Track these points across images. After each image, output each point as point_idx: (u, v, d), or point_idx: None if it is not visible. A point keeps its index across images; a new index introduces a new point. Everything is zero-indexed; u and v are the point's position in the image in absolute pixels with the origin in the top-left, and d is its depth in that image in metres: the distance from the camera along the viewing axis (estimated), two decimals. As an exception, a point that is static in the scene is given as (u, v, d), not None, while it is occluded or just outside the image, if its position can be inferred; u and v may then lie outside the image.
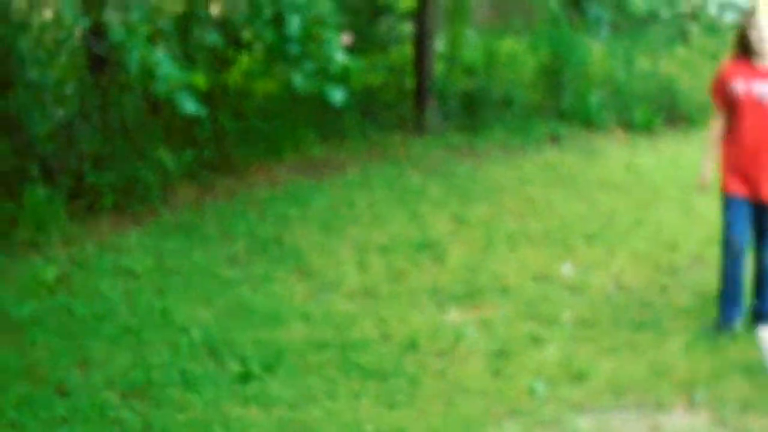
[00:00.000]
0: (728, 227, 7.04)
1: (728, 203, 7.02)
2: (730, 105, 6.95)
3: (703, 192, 7.34)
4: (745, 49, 6.88)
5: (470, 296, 7.81)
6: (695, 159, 12.02)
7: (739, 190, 6.94)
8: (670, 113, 15.02)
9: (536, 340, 7.02)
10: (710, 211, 9.54)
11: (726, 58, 7.26)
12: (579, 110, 14.53)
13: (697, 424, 5.92)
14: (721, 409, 6.03)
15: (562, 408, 6.10)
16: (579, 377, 6.45)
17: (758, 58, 6.82)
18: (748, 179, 6.91)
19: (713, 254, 8.49)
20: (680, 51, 16.97)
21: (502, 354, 6.81)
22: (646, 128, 14.53)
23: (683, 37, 18.34)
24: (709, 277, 8.08)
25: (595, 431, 5.86)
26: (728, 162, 7.00)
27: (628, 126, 14.66)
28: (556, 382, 6.40)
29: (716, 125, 7.13)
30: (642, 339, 7.01)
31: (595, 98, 14.87)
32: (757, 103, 6.81)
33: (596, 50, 16.69)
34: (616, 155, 12.99)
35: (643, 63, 16.08)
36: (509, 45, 16.09)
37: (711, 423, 5.92)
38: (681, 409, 6.10)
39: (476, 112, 13.93)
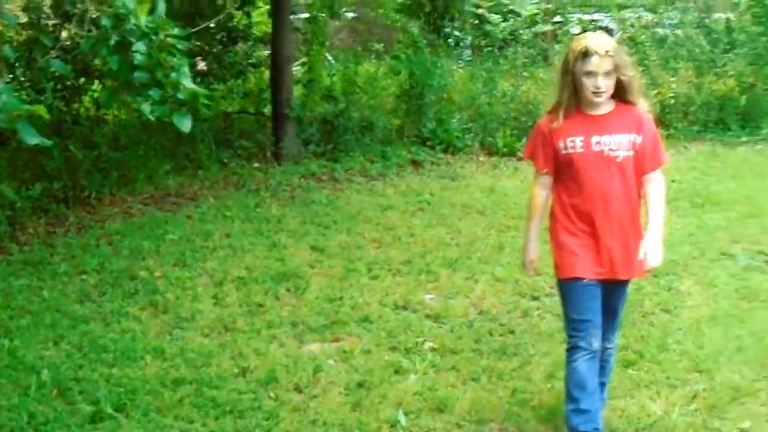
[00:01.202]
0: (580, 325, 5.64)
1: (573, 290, 5.66)
2: (562, 166, 5.59)
3: (533, 275, 6.57)
4: (571, 92, 5.52)
5: (330, 328, 7.62)
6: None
7: (584, 271, 5.57)
8: (531, 136, 15.02)
9: (398, 371, 6.86)
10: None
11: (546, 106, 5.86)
12: (440, 134, 14.47)
13: (563, 453, 5.83)
14: (585, 437, 5.94)
15: (422, 440, 5.96)
16: (441, 407, 6.31)
17: (591, 106, 5.53)
18: (596, 253, 5.55)
19: (575, 277, 8.48)
20: (541, 72, 17.09)
21: (362, 386, 6.63)
22: (509, 151, 14.53)
23: (544, 57, 18.52)
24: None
25: (458, 463, 5.73)
26: (566, 236, 5.63)
27: (491, 149, 14.66)
28: (417, 412, 6.26)
29: (539, 192, 5.77)
30: (504, 366, 6.91)
31: (456, 122, 14.86)
32: (601, 160, 5.46)
33: (457, 73, 16.73)
34: (478, 179, 12.96)
35: (504, 85, 16.12)
36: (369, 69, 16.00)
37: (577, 452, 5.83)
38: (544, 438, 6.01)
39: (336, 138, 13.76)
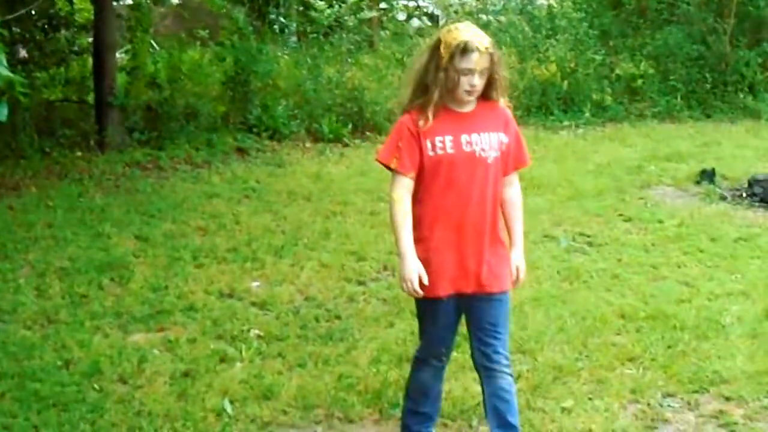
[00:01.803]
0: (435, 341, 5.44)
1: (429, 308, 5.31)
2: (426, 168, 5.05)
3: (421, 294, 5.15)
4: (443, 90, 5.02)
5: (155, 317, 7.54)
6: (383, 168, 12.20)
7: (445, 288, 5.16)
8: (357, 122, 15.13)
9: (223, 359, 6.84)
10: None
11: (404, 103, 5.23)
12: (266, 121, 14.42)
13: (385, 436, 5.89)
14: (409, 419, 6.01)
15: (250, 427, 5.96)
16: (267, 394, 6.31)
17: (459, 103, 5.11)
18: (460, 267, 5.14)
19: (400, 262, 8.57)
20: (367, 58, 17.16)
21: (188, 375, 6.59)
22: (335, 138, 14.58)
23: (369, 44, 18.62)
24: (397, 285, 8.10)
25: (284, 449, 5.74)
26: (421, 248, 5.09)
27: (316, 136, 14.68)
28: (243, 400, 6.24)
29: (403, 197, 5.08)
30: (330, 351, 6.95)
31: (282, 109, 14.82)
32: (472, 161, 5.05)
33: (283, 60, 16.69)
34: (305, 166, 12.98)
35: (329, 72, 16.16)
36: (194, 56, 15.86)
37: (401, 434, 5.90)
38: (370, 422, 6.05)
39: (161, 125, 13.60)
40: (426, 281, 5.04)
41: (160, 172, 12.34)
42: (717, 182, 12.09)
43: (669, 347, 7.03)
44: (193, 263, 8.67)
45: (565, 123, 16.38)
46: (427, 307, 5.29)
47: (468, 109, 5.10)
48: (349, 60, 16.77)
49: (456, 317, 5.34)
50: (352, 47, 17.41)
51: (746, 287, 8.25)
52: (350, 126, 14.90)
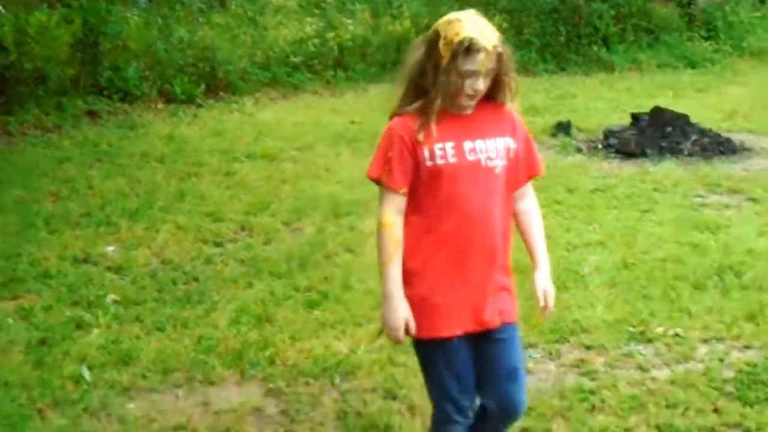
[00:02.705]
0: (454, 395, 4.41)
1: (439, 354, 4.34)
2: (423, 182, 4.19)
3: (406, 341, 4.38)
4: (444, 95, 4.16)
5: (8, 285, 7.35)
6: (238, 128, 12.13)
7: (452, 327, 4.26)
8: (210, 82, 14.95)
9: (80, 325, 6.70)
10: (253, 179, 9.60)
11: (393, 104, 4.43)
12: (117, 83, 14.15)
13: (248, 395, 5.84)
14: (272, 379, 5.98)
15: (109, 393, 5.85)
16: (125, 359, 6.21)
17: (459, 107, 4.24)
18: (464, 303, 4.25)
19: (258, 222, 8.53)
20: (218, 18, 16.95)
21: (44, 343, 6.44)
22: (187, 99, 14.38)
23: (221, 2, 18.40)
24: (254, 246, 8.07)
25: (145, 414, 5.65)
26: (420, 279, 4.23)
27: (169, 97, 14.45)
28: (102, 366, 6.13)
29: (393, 221, 4.21)
30: (189, 314, 6.87)
31: (133, 71, 14.53)
32: (477, 172, 4.20)
33: (133, 21, 16.39)
34: (158, 128, 12.77)
35: (181, 32, 15.92)
36: (41, 18, 15.45)
37: (263, 393, 5.87)
38: (232, 383, 6.00)
39: (8, 90, 13.23)
40: (413, 331, 4.20)
41: (8, 137, 12.02)
42: (573, 134, 12.27)
43: (529, 298, 7.05)
44: (46, 229, 8.46)
45: (420, 79, 16.40)
46: (433, 350, 4.35)
47: (469, 111, 4.27)
48: (201, 19, 16.56)
49: (470, 362, 4.38)
50: (203, 6, 17.18)
51: (603, 237, 8.39)
52: (203, 86, 14.71)
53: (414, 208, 4.23)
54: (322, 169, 10.09)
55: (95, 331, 6.63)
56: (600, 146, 11.82)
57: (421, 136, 4.14)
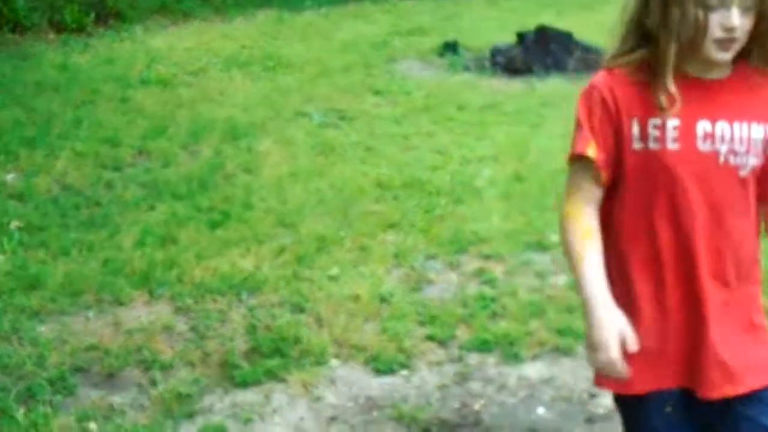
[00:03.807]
0: None
1: (646, 416, 2.99)
2: (629, 174, 2.90)
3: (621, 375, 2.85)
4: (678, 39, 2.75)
5: None
6: (130, 55, 12.07)
7: (649, 381, 2.92)
8: (100, 11, 14.80)
9: (-18, 253, 6.74)
10: (148, 105, 9.61)
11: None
12: (7, 14, 13.93)
13: (158, 314, 5.95)
14: (180, 298, 6.10)
15: (19, 317, 5.90)
16: (33, 284, 6.26)
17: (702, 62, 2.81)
18: (684, 348, 2.90)
19: (156, 147, 8.59)
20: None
21: (-53, 273, 6.48)
22: (78, 28, 14.22)
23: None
24: (154, 170, 8.13)
25: (55, 335, 5.73)
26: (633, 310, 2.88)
27: (59, 27, 14.28)
28: (10, 292, 6.17)
29: (580, 209, 2.95)
30: (94, 238, 6.92)
31: (22, 1, 14.32)
32: (711, 169, 2.83)
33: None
34: (49, 57, 12.65)
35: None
36: None
37: (172, 312, 5.98)
38: (141, 303, 6.10)
39: None
40: (635, 346, 2.78)
41: None
42: (461, 53, 12.42)
43: (427, 212, 7.30)
44: (-59, 158, 8.44)
45: (308, 3, 16.43)
46: (626, 409, 3.10)
47: (716, 75, 2.86)
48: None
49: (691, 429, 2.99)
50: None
51: (495, 152, 8.60)
52: (93, 15, 14.55)
53: (613, 208, 2.98)
54: (217, 93, 10.14)
55: (0, 257, 6.68)
56: (487, 64, 12.01)
57: (662, 100, 2.79)
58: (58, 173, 8.13)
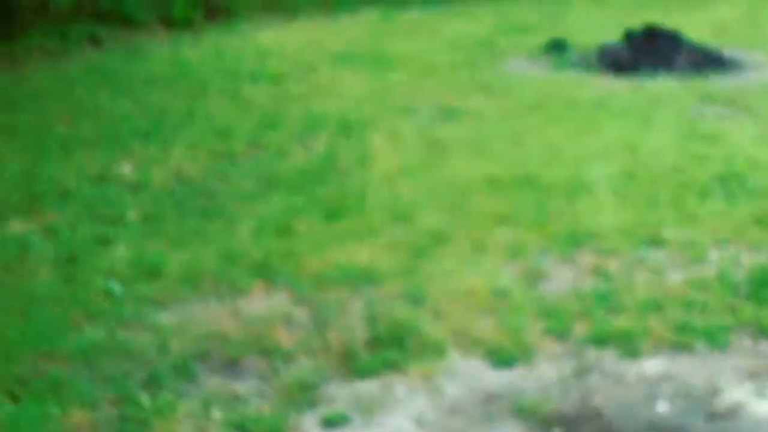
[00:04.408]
0: None
1: None
2: None
3: None
4: None
5: (31, 205, 7.45)
6: (239, 50, 12.19)
7: None
8: (208, 6, 14.96)
9: (104, 242, 6.84)
10: (260, 99, 9.70)
11: None
12: (117, 9, 14.17)
13: (277, 303, 6.00)
14: (299, 288, 6.15)
15: (140, 305, 5.99)
16: (153, 273, 6.35)
17: None
18: None
19: (269, 140, 8.65)
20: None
21: (71, 259, 6.58)
22: (186, 23, 14.40)
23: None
24: (268, 162, 8.19)
25: (177, 324, 5.80)
26: None
27: (168, 22, 14.47)
28: (130, 280, 6.27)
29: None
30: (210, 228, 7.00)
31: (132, -3, 14.57)
32: None
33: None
34: (159, 52, 12.82)
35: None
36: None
37: (291, 301, 6.02)
38: (259, 292, 6.15)
39: (12, 18, 13.23)
40: None
41: (14, 64, 12.04)
42: (568, 51, 12.35)
43: (540, 208, 7.26)
44: (61, 150, 8.55)
45: (413, 1, 16.43)
46: None
47: None
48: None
49: None
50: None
51: (606, 149, 8.52)
52: (201, 11, 14.72)
53: None
54: (326, 89, 10.19)
55: (120, 246, 6.77)
56: (594, 62, 11.93)
57: None
58: (173, 165, 8.23)
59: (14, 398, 5.15)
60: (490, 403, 5.15)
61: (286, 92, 10.05)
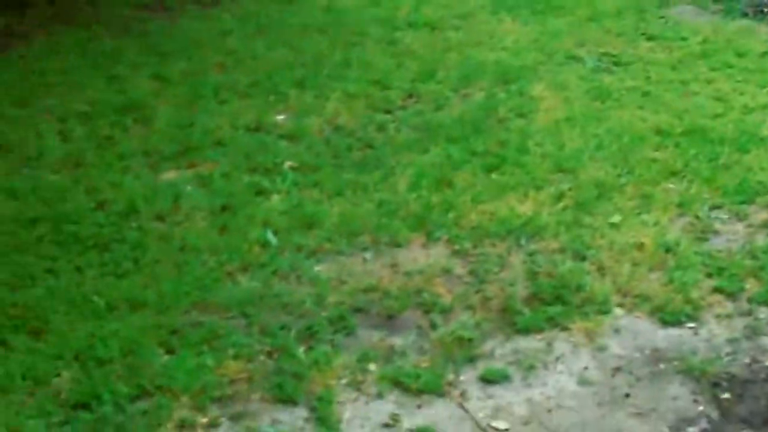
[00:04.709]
0: None
1: None
2: None
3: None
4: None
5: (185, 154, 7.39)
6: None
7: None
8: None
9: (260, 192, 6.76)
10: (417, 47, 9.51)
11: None
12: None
13: (436, 256, 5.86)
14: (458, 241, 5.98)
15: (297, 256, 5.94)
16: (309, 224, 6.27)
17: None
18: None
19: (426, 89, 8.47)
20: None
21: (226, 209, 6.53)
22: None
23: None
24: (425, 112, 8.01)
25: (334, 275, 5.74)
26: None
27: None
28: (287, 230, 6.20)
29: None
30: (367, 179, 6.86)
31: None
32: None
33: None
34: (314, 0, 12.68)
35: None
36: None
37: (450, 254, 5.89)
38: (418, 245, 6.02)
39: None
40: None
41: (167, 12, 12.03)
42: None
43: (710, 161, 6.97)
44: (215, 99, 8.47)
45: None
46: None
47: None
48: None
49: None
50: None
51: (779, 100, 8.15)
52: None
53: None
54: (486, 36, 9.91)
55: (275, 196, 6.69)
56: (765, 10, 11.43)
57: None
58: (329, 114, 8.09)
59: (169, 349, 5.13)
60: (657, 362, 5.01)
61: (445, 40, 9.80)
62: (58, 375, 4.94)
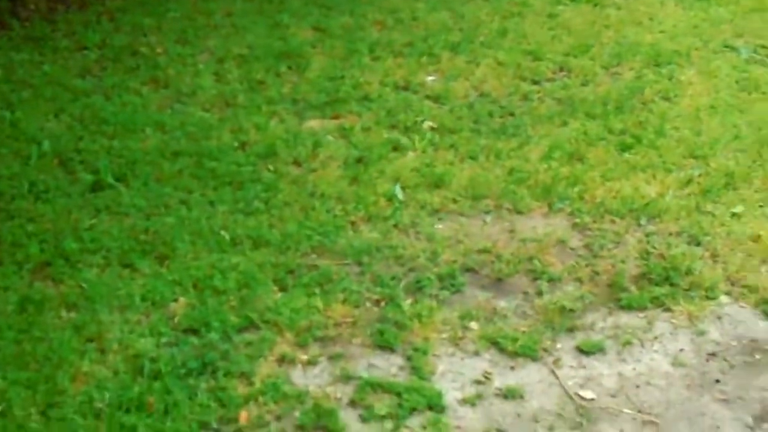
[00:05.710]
0: None
1: None
2: None
3: None
4: None
5: (331, 105, 7.63)
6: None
7: None
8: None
9: (396, 148, 6.94)
10: (575, 22, 9.53)
11: None
12: None
13: (554, 227, 5.96)
14: (579, 214, 6.08)
15: (420, 213, 6.10)
16: (438, 183, 6.43)
17: None
18: None
19: (577, 64, 8.51)
20: None
21: (360, 161, 6.73)
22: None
23: None
24: (571, 86, 8.07)
25: (451, 234, 5.88)
26: None
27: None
28: (415, 187, 6.37)
29: None
30: (503, 146, 6.97)
31: None
32: None
33: None
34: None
35: None
36: None
37: (568, 227, 5.98)
38: (539, 214, 6.13)
39: None
40: None
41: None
42: None
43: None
44: (369, 55, 8.67)
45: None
46: None
47: None
48: None
49: None
50: None
51: None
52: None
53: None
54: (646, 16, 9.87)
55: (410, 154, 6.86)
56: None
57: None
58: (477, 80, 8.21)
59: (283, 287, 5.35)
60: (753, 351, 5.02)
61: (604, 17, 9.78)
62: (175, 300, 5.22)
